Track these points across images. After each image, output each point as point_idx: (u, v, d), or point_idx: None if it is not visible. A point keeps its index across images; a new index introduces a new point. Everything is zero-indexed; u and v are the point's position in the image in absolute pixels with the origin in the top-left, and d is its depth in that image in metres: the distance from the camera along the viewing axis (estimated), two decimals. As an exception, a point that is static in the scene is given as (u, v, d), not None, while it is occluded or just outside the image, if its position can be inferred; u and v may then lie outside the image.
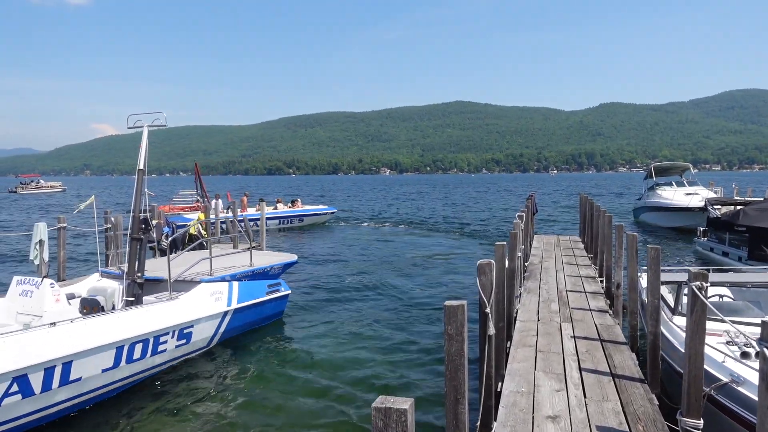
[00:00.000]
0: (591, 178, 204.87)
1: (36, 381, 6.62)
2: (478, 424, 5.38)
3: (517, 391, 5.80)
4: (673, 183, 30.05)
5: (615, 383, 6.01)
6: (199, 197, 29.87)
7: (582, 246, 16.79)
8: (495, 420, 5.29)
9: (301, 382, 8.46)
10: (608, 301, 9.91)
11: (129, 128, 9.78)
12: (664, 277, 7.65)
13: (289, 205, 32.68)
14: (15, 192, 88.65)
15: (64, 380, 6.96)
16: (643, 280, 9.08)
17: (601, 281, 11.42)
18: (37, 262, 11.74)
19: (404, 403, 2.24)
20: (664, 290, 8.53)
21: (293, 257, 13.17)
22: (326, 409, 7.51)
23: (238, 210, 21.10)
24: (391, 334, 10.78)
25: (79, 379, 7.16)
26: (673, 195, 27.70)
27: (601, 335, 7.77)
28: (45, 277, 8.96)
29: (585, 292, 10.49)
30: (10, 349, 6.40)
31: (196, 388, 8.30)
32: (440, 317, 11.63)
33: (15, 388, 6.40)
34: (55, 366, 6.80)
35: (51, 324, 7.07)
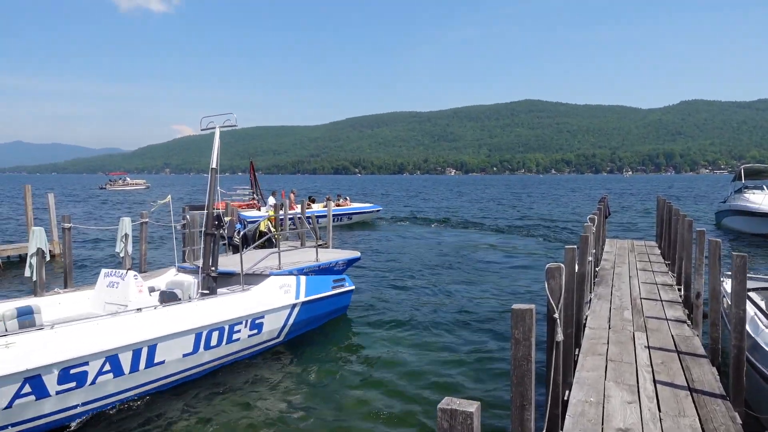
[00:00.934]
0: (670, 179, 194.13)
1: (125, 361, 7.12)
2: (544, 431, 5.25)
3: (586, 401, 5.61)
4: (765, 187, 28.00)
5: (693, 398, 5.68)
6: (254, 194, 31.05)
7: (658, 252, 15.96)
8: (561, 429, 5.14)
9: (363, 380, 8.56)
10: (686, 311, 9.37)
11: (202, 130, 10.33)
12: (750, 285, 7.14)
13: (337, 202, 32.43)
14: (104, 189, 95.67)
15: (150, 362, 7.44)
16: (726, 289, 8.52)
17: (679, 289, 10.82)
18: (122, 254, 12.58)
19: (470, 406, 2.23)
20: (756, 298, 7.98)
21: (357, 254, 13.38)
22: (388, 407, 7.57)
23: (289, 208, 21.61)
24: (455, 336, 10.70)
25: (163, 362, 7.63)
26: (763, 199, 25.85)
27: (678, 346, 7.37)
28: (129, 269, 9.62)
29: (661, 301, 9.97)
30: (102, 331, 6.94)
31: (260, 381, 8.59)
32: (506, 320, 11.43)
33: (107, 367, 6.91)
34: (141, 348, 7.29)
35: (137, 310, 7.61)
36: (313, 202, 29.45)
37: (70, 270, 12.48)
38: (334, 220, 30.99)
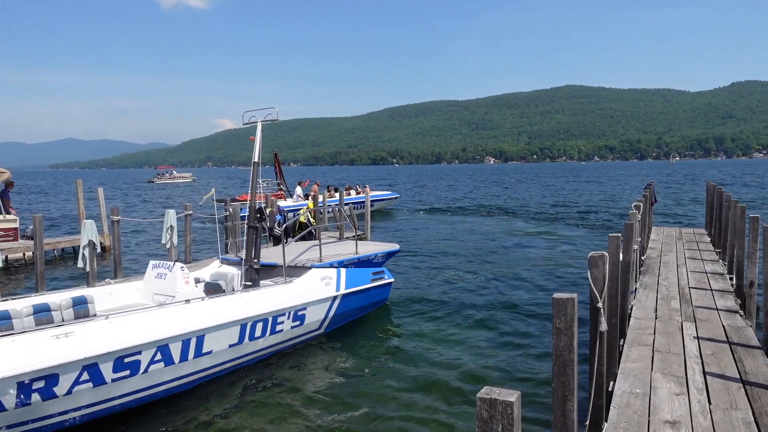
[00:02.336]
0: (720, 165, 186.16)
1: (175, 351, 7.35)
2: (587, 423, 5.15)
3: (631, 392, 5.47)
4: None
5: (746, 390, 5.46)
6: (280, 186, 31.52)
7: (708, 240, 15.36)
8: (606, 420, 5.04)
9: (403, 370, 8.59)
10: (739, 301, 8.99)
11: (244, 124, 10.49)
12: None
13: (357, 191, 32.45)
14: (152, 182, 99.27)
15: (198, 352, 7.65)
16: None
17: (731, 278, 10.39)
18: (167, 245, 12.98)
19: (511, 396, 2.20)
20: None
21: (396, 246, 13.38)
22: (427, 396, 7.58)
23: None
24: (494, 325, 10.61)
25: (210, 352, 7.83)
26: None
27: (729, 337, 7.09)
28: (177, 261, 9.90)
29: (711, 290, 9.61)
30: (154, 321, 7.17)
31: (300, 372, 8.73)
32: (548, 310, 11.25)
33: (159, 356, 7.15)
34: (191, 338, 7.51)
35: (186, 301, 7.84)
36: (336, 191, 29.70)
37: (119, 261, 12.97)
38: (356, 208, 31.09)
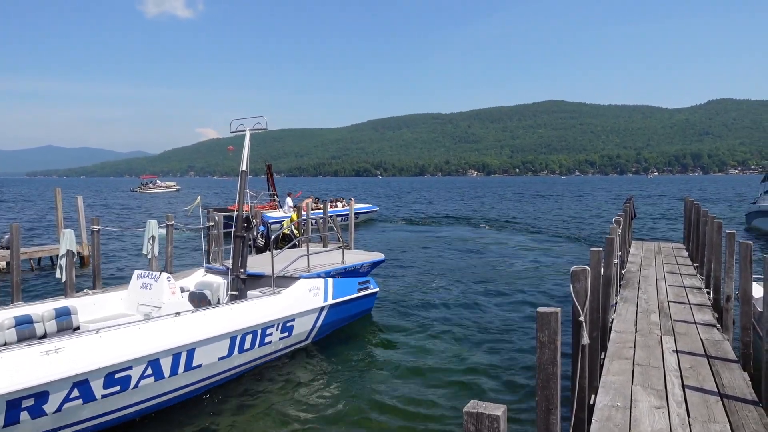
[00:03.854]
0: (697, 180, 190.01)
1: (166, 365, 7.21)
2: (570, 436, 5.19)
3: (612, 405, 5.52)
4: None
5: (723, 404, 5.55)
6: (273, 196, 32.08)
7: (686, 254, 15.63)
8: (588, 433, 5.08)
9: (387, 382, 8.56)
10: (716, 315, 9.16)
11: (232, 132, 10.35)
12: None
13: (343, 203, 34.49)
14: (135, 192, 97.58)
15: (188, 366, 7.52)
16: (757, 293, 8.30)
17: (708, 293, 10.58)
18: (149, 256, 12.82)
19: (497, 410, 2.22)
20: None
21: (381, 256, 13.39)
22: (412, 409, 7.56)
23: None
24: (477, 337, 10.64)
25: (200, 365, 7.70)
26: None
27: (707, 351, 7.21)
28: (163, 271, 9.75)
29: (689, 304, 9.77)
30: (144, 336, 7.03)
31: (287, 383, 8.66)
32: (530, 324, 11.32)
33: (149, 371, 7.01)
34: (181, 353, 7.38)
35: (176, 314, 7.71)
36: (319, 202, 30.20)
37: (98, 271, 12.75)
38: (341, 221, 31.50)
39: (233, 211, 23.84)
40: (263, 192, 33.37)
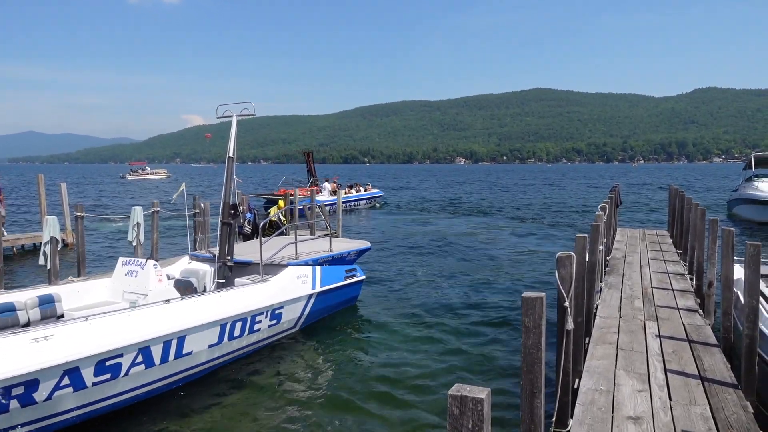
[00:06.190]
0: (682, 168, 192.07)
1: (156, 353, 7.16)
2: (554, 419, 5.26)
3: (596, 389, 5.61)
4: None
5: (704, 387, 5.67)
6: (315, 181, 35.15)
7: (670, 241, 15.85)
8: (571, 417, 5.16)
9: (373, 369, 8.61)
10: (698, 300, 9.31)
11: (218, 118, 10.16)
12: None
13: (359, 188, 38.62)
14: (124, 178, 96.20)
15: (179, 353, 7.47)
16: (738, 279, 8.44)
17: (691, 279, 10.75)
18: (134, 243, 12.71)
19: (481, 392, 2.23)
20: (762, 287, 7.91)
21: (367, 244, 13.40)
22: (399, 394, 7.61)
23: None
24: (464, 323, 10.72)
25: (191, 353, 7.66)
26: None
27: (689, 335, 7.33)
28: (149, 258, 9.64)
29: (672, 290, 9.92)
30: (135, 323, 6.97)
31: (276, 373, 8.66)
32: (516, 308, 11.42)
33: (140, 358, 6.95)
34: (171, 340, 7.32)
35: (165, 301, 7.66)
36: (351, 187, 36.13)
37: (83, 258, 12.63)
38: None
39: (280, 196, 25.29)
40: (294, 179, 36.44)
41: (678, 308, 8.70)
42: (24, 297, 7.86)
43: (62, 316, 8.05)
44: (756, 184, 27.11)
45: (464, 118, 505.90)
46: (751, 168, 28.99)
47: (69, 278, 12.22)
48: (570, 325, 5.18)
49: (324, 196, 30.67)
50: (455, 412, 2.25)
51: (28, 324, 7.57)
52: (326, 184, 33.51)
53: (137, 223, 12.56)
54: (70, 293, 8.80)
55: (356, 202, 36.39)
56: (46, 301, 7.88)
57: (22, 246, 18.57)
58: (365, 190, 38.62)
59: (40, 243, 11.57)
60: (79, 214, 12.49)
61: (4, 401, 5.76)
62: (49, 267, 11.02)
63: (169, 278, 9.80)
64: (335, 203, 29.50)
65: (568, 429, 5.05)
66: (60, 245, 11.86)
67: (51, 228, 10.98)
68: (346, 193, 34.31)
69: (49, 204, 19.66)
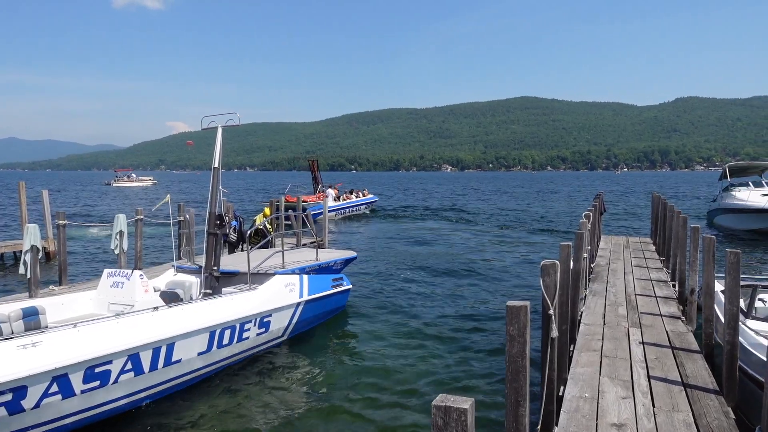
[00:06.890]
0: (664, 176, 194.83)
1: (146, 360, 7.08)
2: (539, 428, 5.28)
3: (581, 397, 5.64)
4: (750, 183, 28.18)
5: (687, 393, 5.72)
6: (322, 188, 36.68)
7: (653, 248, 16.03)
8: (556, 425, 5.17)
9: (360, 378, 8.57)
10: (681, 307, 9.42)
11: (203, 129, 10.15)
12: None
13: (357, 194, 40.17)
14: (109, 185, 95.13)
15: (168, 361, 7.39)
16: (719, 286, 8.57)
17: (674, 286, 10.88)
18: (117, 251, 12.55)
19: (465, 403, 2.24)
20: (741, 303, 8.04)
21: (353, 253, 13.40)
22: (385, 404, 7.59)
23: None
24: (450, 333, 10.72)
25: (180, 360, 7.59)
26: (749, 196, 26.05)
27: (672, 342, 7.41)
28: (136, 269, 9.51)
29: (656, 297, 10.03)
30: (123, 329, 6.87)
31: (260, 382, 8.59)
32: (501, 317, 11.46)
33: (129, 365, 6.86)
34: (161, 347, 7.24)
35: (154, 308, 7.59)
36: (351, 192, 38.31)
37: (64, 267, 12.44)
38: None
39: (294, 202, 25.62)
40: (298, 186, 37.28)
41: (661, 315, 8.79)
42: (8, 309, 7.70)
43: (47, 328, 7.91)
44: (734, 193, 27.52)
45: (450, 125, 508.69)
46: (727, 178, 29.45)
47: (50, 288, 12.02)
48: (555, 332, 5.22)
49: (329, 202, 32.42)
50: (439, 423, 2.25)
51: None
52: (329, 191, 35.29)
53: (120, 230, 12.41)
54: (54, 305, 8.63)
55: (357, 207, 38.20)
56: (30, 314, 7.73)
57: (2, 255, 18.25)
58: (363, 195, 40.39)
59: (20, 252, 11.37)
60: (61, 222, 12.32)
61: None
62: (29, 276, 10.82)
63: (155, 290, 9.69)
64: (341, 207, 34.63)
65: (553, 437, 5.06)
66: (41, 254, 11.67)
67: (32, 237, 10.80)
68: (346, 198, 36.94)
69: (32, 212, 19.35)
